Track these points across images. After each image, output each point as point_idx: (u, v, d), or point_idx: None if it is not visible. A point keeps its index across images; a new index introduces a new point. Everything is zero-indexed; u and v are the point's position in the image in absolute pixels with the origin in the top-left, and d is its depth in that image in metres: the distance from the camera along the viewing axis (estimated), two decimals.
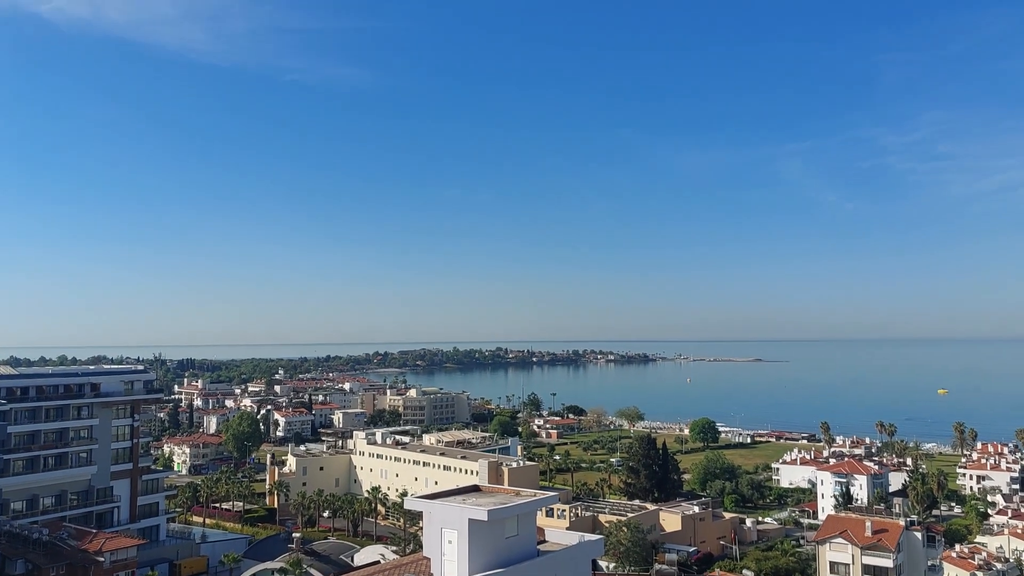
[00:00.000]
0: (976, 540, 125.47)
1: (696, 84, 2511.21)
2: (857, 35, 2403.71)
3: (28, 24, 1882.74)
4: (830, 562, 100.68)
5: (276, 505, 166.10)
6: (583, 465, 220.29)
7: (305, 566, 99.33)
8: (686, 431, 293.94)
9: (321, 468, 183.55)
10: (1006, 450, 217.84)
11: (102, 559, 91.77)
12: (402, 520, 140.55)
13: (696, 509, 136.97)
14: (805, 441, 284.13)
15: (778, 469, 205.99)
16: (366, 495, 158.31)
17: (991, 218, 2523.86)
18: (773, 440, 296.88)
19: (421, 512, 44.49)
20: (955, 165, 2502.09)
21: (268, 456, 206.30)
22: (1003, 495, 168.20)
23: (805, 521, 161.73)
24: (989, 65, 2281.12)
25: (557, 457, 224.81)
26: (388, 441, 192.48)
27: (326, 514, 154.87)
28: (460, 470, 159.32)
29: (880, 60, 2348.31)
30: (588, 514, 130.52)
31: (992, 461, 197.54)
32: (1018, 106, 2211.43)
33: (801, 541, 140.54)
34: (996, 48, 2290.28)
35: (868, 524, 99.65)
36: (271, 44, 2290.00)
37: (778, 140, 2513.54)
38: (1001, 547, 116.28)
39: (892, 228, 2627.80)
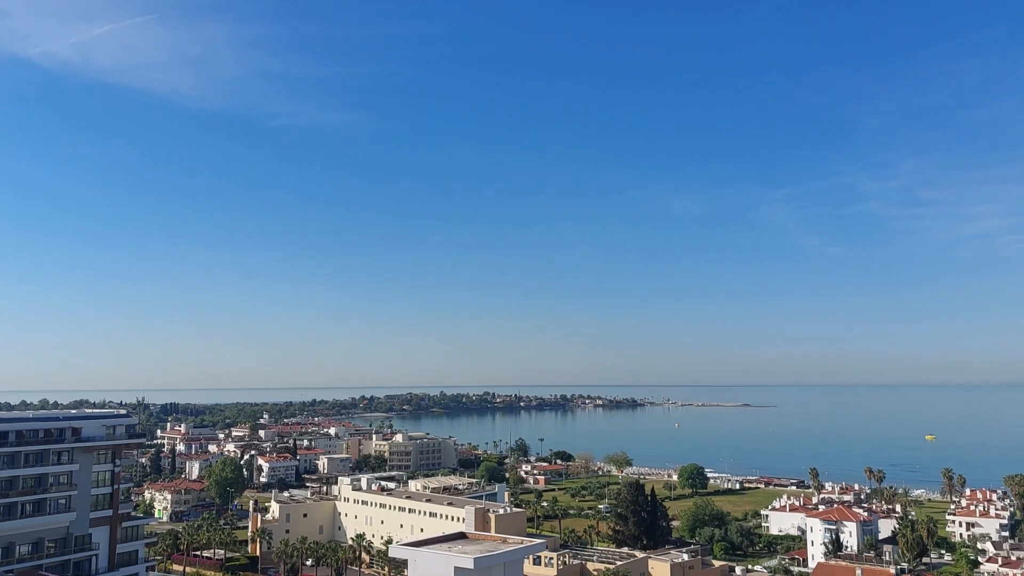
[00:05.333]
0: None
1: (680, 129, 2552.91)
2: (837, 83, 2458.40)
3: (17, 67, 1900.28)
4: None
5: (258, 553, 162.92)
6: (571, 512, 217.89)
7: None
8: (674, 477, 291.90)
9: (305, 515, 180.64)
10: (995, 497, 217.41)
11: None
12: (387, 568, 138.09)
13: (685, 557, 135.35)
14: (794, 487, 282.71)
15: (767, 516, 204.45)
16: (350, 543, 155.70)
17: (973, 264, 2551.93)
18: (762, 486, 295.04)
19: (406, 560, 43.87)
20: (936, 211, 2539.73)
21: (251, 502, 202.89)
22: (993, 542, 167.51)
23: (795, 569, 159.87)
24: (964, 114, 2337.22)
25: (545, 504, 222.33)
26: (373, 487, 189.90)
27: (309, 562, 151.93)
28: (446, 517, 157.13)
29: (859, 108, 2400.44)
30: (576, 562, 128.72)
31: (981, 508, 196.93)
32: (994, 153, 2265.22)
33: None
34: (971, 97, 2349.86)
35: (859, 572, 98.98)
36: (259, 88, 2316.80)
37: (761, 185, 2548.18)
38: None
39: (876, 274, 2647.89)
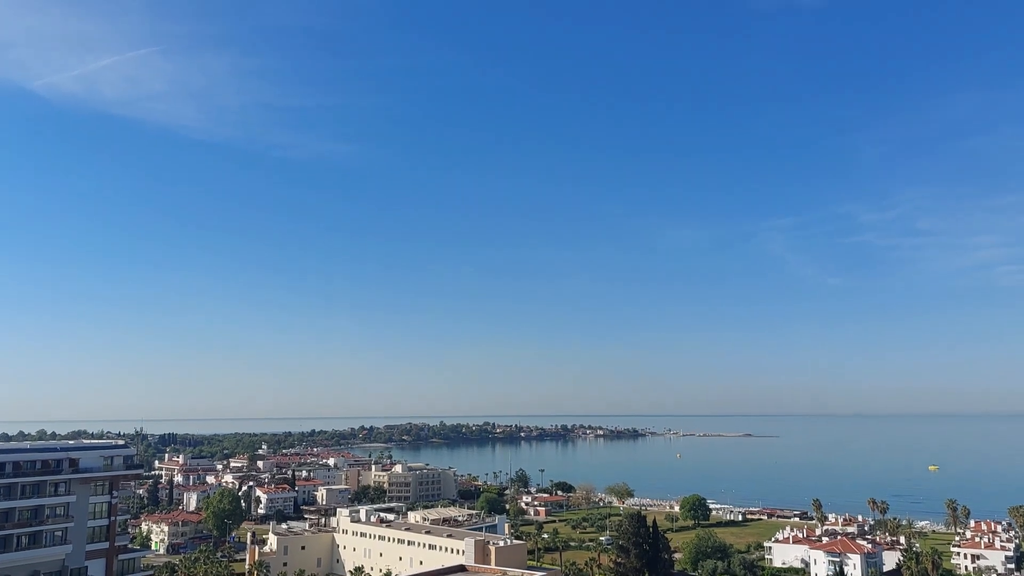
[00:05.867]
0: None
1: (679, 157, 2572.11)
2: (835, 113, 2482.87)
3: (21, 99, 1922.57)
4: None
5: None
6: (572, 544, 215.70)
7: None
8: (676, 508, 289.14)
9: (303, 547, 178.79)
10: (999, 528, 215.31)
11: None
12: None
13: None
14: (797, 519, 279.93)
15: (770, 548, 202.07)
16: (349, 575, 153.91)
17: (972, 294, 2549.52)
18: (765, 518, 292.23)
19: None
20: (935, 241, 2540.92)
21: (249, 534, 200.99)
22: (998, 574, 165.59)
23: None
24: (963, 143, 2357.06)
25: (545, 535, 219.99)
26: (372, 519, 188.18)
27: None
28: (446, 549, 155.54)
29: (858, 138, 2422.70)
30: None
31: (986, 539, 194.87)
32: (993, 183, 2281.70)
33: None
34: (969, 127, 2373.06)
35: None
36: (260, 119, 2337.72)
37: (759, 214, 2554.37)
38: None
39: (875, 303, 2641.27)
